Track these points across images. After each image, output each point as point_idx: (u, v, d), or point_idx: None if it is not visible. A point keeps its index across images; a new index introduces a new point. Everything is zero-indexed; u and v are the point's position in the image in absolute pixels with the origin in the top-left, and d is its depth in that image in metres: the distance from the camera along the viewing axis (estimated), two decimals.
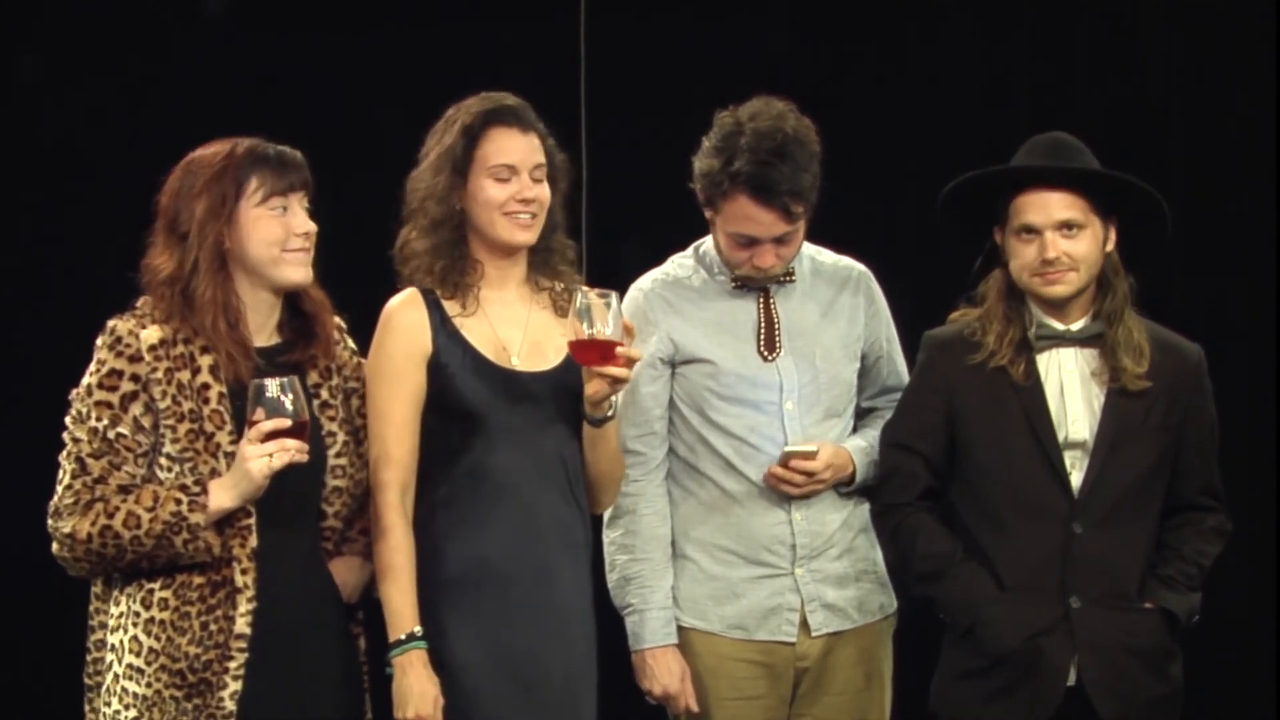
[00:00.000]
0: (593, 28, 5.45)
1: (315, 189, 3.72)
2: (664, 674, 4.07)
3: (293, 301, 3.74)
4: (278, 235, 3.65)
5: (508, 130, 3.89)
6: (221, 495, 3.56)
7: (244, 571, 3.61)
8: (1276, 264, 5.42)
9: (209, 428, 3.60)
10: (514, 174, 3.88)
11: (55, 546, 3.63)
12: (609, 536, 4.14)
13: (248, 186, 3.64)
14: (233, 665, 3.59)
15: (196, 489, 3.57)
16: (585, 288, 3.80)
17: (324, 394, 3.76)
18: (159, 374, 3.60)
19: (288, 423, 3.51)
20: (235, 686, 3.59)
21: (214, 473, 3.58)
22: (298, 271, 3.67)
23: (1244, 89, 5.47)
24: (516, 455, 3.86)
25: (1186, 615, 3.97)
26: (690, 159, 4.11)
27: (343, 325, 3.85)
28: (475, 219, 3.90)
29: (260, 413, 3.51)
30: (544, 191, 3.90)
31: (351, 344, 3.87)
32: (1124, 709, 3.90)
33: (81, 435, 3.60)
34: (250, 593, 3.60)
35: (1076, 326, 4.00)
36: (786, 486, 4.09)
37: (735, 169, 3.99)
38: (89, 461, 3.59)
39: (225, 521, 3.59)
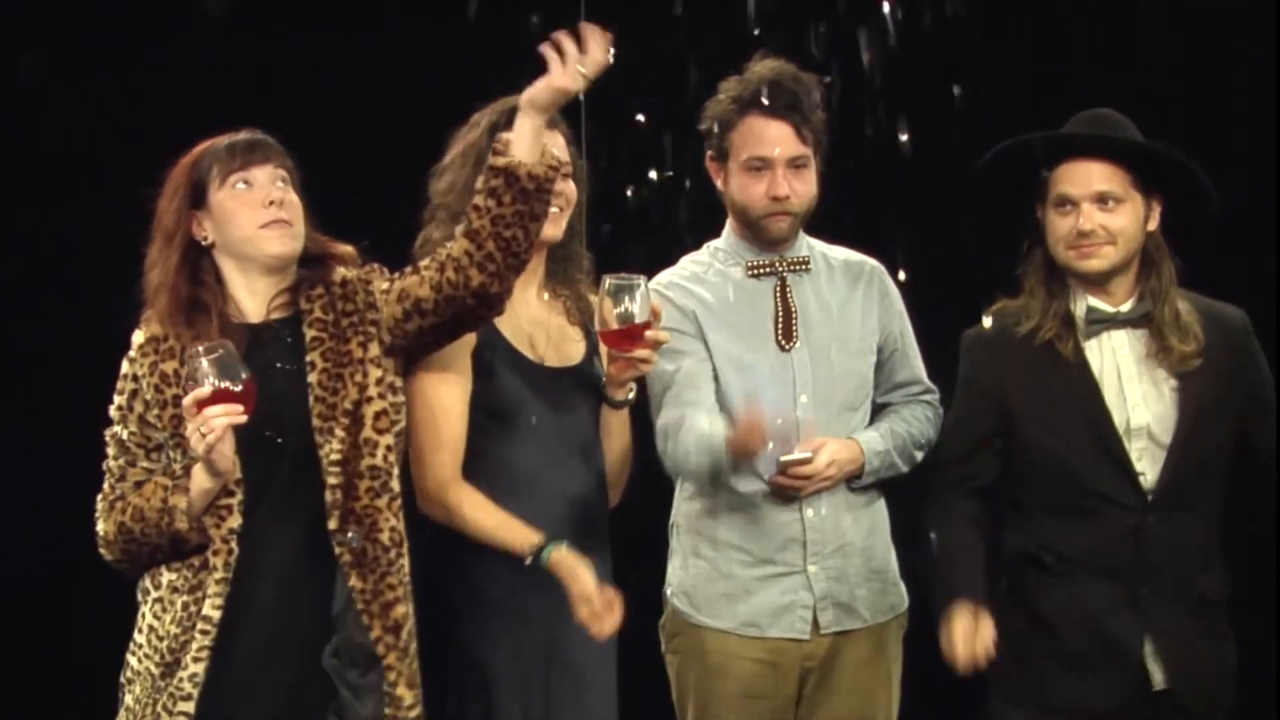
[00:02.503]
0: None
1: (303, 178, 3.72)
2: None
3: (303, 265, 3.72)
4: (246, 210, 3.65)
5: None
6: (199, 475, 3.54)
7: (215, 553, 3.57)
8: (1276, 264, 5.42)
9: None
10: None
11: (100, 548, 3.70)
12: (685, 469, 4.08)
13: (210, 175, 3.67)
14: (194, 647, 3.56)
15: (181, 473, 3.57)
16: (610, 275, 3.80)
17: (302, 303, 3.69)
18: (144, 369, 3.64)
19: (207, 392, 3.43)
20: (195, 669, 3.55)
21: None
22: (275, 244, 3.67)
23: (1244, 88, 5.47)
24: (546, 450, 3.89)
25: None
26: (691, 159, 4.12)
27: (375, 268, 3.78)
28: None
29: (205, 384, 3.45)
30: (570, 188, 3.93)
31: (372, 264, 3.79)
32: (1186, 678, 3.88)
33: (109, 439, 3.70)
34: (219, 574, 3.56)
35: (1126, 307, 3.94)
36: (791, 490, 4.09)
37: (747, 96, 4.07)
38: (112, 464, 3.69)
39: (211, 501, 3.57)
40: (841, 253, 4.27)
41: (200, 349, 3.46)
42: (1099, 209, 3.86)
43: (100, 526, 3.68)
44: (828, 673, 4.13)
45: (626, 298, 3.72)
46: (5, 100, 5.43)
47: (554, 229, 3.92)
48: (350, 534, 3.61)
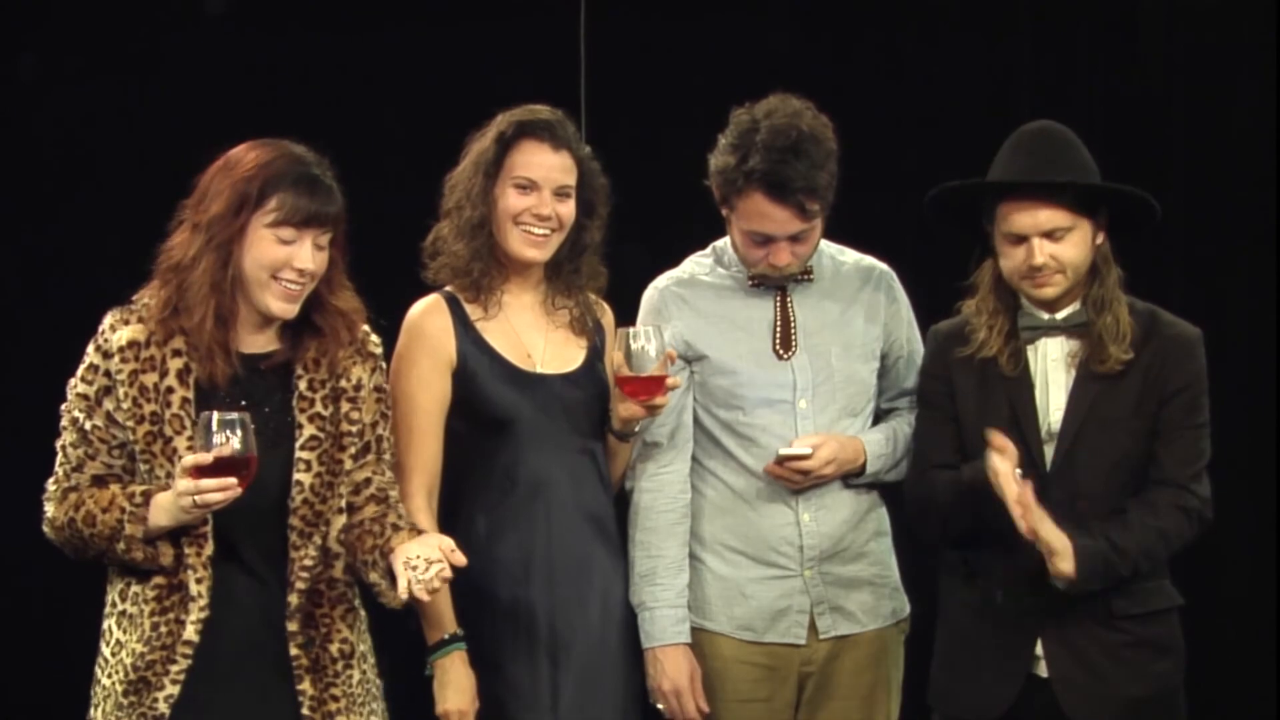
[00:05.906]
0: (593, 28, 5.45)
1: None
2: (673, 671, 4.06)
3: (308, 313, 3.69)
4: (272, 261, 3.61)
5: (538, 144, 3.96)
6: (159, 514, 3.54)
7: (199, 580, 3.58)
8: (1276, 264, 5.41)
9: (168, 431, 3.58)
10: (534, 188, 3.94)
11: (44, 525, 3.68)
12: (629, 533, 4.14)
13: (268, 202, 3.61)
14: (174, 669, 3.57)
15: (140, 500, 3.56)
16: (630, 327, 3.90)
17: (301, 385, 3.67)
18: (123, 375, 3.61)
19: (209, 458, 3.42)
20: (171, 690, 3.57)
21: (169, 476, 3.55)
22: (279, 304, 3.63)
23: (1244, 88, 5.46)
24: (548, 456, 3.95)
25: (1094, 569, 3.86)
26: (691, 159, 4.11)
27: (375, 339, 3.78)
28: (494, 225, 3.95)
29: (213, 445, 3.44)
30: (564, 210, 3.97)
31: (376, 353, 3.77)
32: (1090, 708, 3.88)
33: (66, 423, 3.66)
34: (203, 601, 3.58)
35: (1062, 315, 3.96)
36: (785, 482, 4.08)
37: (750, 166, 3.98)
38: (70, 450, 3.65)
39: (181, 527, 3.56)
40: (851, 255, 4.26)
41: (217, 414, 3.44)
42: (1049, 241, 3.89)
43: (49, 509, 3.65)
44: (827, 678, 4.12)
45: (644, 349, 3.83)
46: (4, 100, 5.42)
47: (539, 252, 3.97)
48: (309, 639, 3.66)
